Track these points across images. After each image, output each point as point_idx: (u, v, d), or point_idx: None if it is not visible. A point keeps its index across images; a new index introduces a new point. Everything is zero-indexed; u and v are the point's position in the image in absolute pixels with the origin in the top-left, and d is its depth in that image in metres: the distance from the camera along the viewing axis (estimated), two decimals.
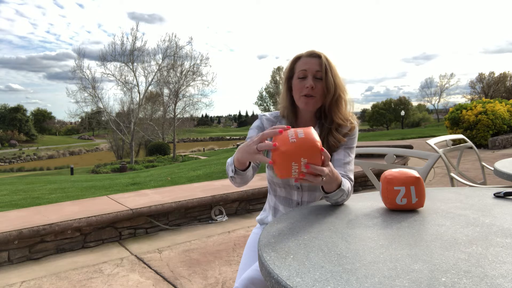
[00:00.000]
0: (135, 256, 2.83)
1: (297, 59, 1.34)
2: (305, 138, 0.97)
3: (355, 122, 1.37)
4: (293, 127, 1.36)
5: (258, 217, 1.53)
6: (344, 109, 1.34)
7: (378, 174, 1.63)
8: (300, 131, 0.98)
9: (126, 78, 29.15)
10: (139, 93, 29.50)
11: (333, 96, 1.30)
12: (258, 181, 4.16)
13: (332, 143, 1.32)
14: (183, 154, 29.60)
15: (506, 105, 10.47)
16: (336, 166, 1.30)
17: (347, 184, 1.21)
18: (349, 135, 1.34)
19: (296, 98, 1.33)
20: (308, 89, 1.27)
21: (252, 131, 1.40)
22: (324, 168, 1.00)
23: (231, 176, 1.20)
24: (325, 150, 1.00)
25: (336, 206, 1.22)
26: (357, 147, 1.43)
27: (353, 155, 1.35)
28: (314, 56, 1.30)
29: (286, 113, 1.38)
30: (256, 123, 1.42)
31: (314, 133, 0.99)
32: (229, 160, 1.23)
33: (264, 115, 1.42)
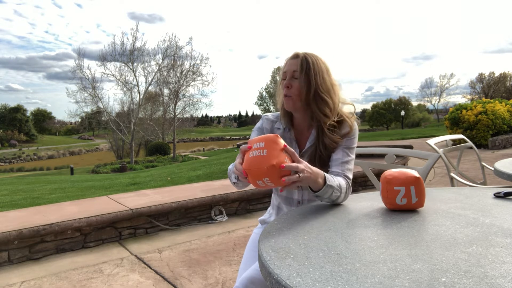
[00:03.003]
0: (135, 256, 2.83)
1: (286, 61, 1.38)
2: (254, 159, 1.03)
3: (354, 122, 1.36)
4: (289, 128, 1.39)
5: (261, 217, 1.54)
6: (327, 108, 1.30)
7: (378, 174, 1.63)
8: (254, 151, 1.04)
9: (126, 78, 29.14)
10: (139, 93, 29.49)
11: (310, 94, 1.29)
12: None
13: (328, 143, 1.32)
14: (183, 154, 29.58)
15: (506, 105, 10.46)
16: (334, 166, 1.31)
17: (337, 180, 1.20)
18: (347, 136, 1.34)
19: (283, 98, 1.36)
20: (285, 89, 1.31)
21: (254, 133, 1.43)
22: (298, 165, 1.04)
23: (234, 182, 1.25)
24: (287, 147, 1.05)
25: (336, 206, 1.22)
26: (357, 147, 1.43)
27: (352, 155, 1.35)
28: (295, 57, 1.34)
29: (281, 113, 1.42)
30: (257, 124, 1.47)
31: (271, 149, 1.03)
32: (231, 167, 1.27)
33: (266, 115, 1.46)
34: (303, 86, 1.29)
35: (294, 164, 1.03)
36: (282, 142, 1.05)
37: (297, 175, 1.03)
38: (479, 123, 9.63)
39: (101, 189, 7.40)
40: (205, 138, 72.38)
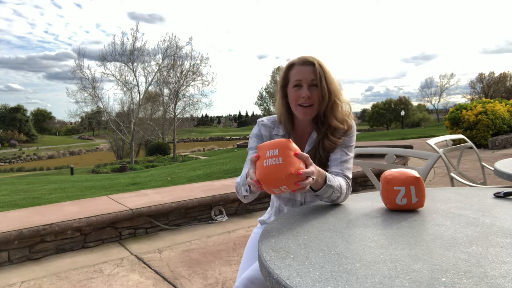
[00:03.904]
0: (135, 256, 2.83)
1: (290, 66, 1.33)
2: (270, 168, 1.00)
3: (352, 121, 1.37)
4: (289, 134, 1.37)
5: (260, 218, 1.54)
6: (339, 113, 1.34)
7: (378, 174, 1.63)
8: (269, 159, 1.00)
9: (126, 78, 29.18)
10: (139, 93, 29.51)
11: (328, 102, 1.30)
12: None
13: (328, 145, 1.32)
14: (183, 154, 29.60)
15: (506, 105, 10.47)
16: (333, 165, 1.30)
17: (338, 181, 1.20)
18: (345, 134, 1.34)
19: (292, 107, 1.33)
20: (304, 98, 1.27)
21: (252, 141, 1.40)
22: (313, 169, 1.04)
23: (244, 195, 1.22)
24: (300, 152, 1.03)
25: (336, 206, 1.22)
26: (357, 147, 1.43)
27: (351, 154, 1.35)
28: (308, 64, 1.29)
29: (282, 120, 1.38)
30: (254, 130, 1.43)
31: (286, 156, 1.00)
32: (240, 180, 1.25)
33: (262, 121, 1.42)
34: (326, 95, 1.28)
35: (310, 170, 1.02)
36: (294, 147, 1.03)
37: (311, 178, 1.03)
38: (479, 123, 9.63)
39: (101, 189, 7.40)
40: (205, 138, 72.33)
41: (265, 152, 1.02)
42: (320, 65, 1.29)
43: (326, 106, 1.30)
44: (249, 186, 1.16)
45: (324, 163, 1.33)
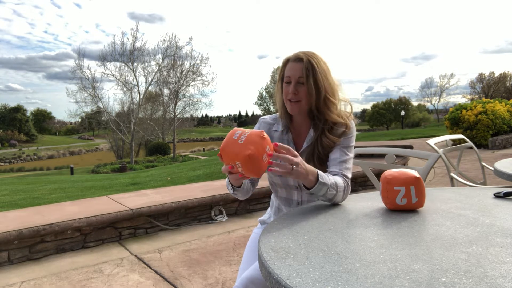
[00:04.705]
0: (135, 256, 2.83)
1: (286, 62, 1.36)
2: (250, 133, 1.03)
3: (352, 121, 1.37)
4: (288, 129, 1.40)
5: (261, 218, 1.55)
6: (335, 109, 1.35)
7: (378, 174, 1.63)
8: (242, 137, 1.03)
9: (126, 78, 29.18)
10: (139, 93, 29.52)
11: (318, 98, 1.31)
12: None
13: (326, 143, 1.32)
14: (183, 154, 29.58)
15: (506, 105, 10.47)
16: (332, 165, 1.31)
17: (333, 179, 1.20)
18: (345, 134, 1.34)
19: (284, 101, 1.36)
20: (290, 95, 1.30)
21: None
22: (292, 158, 1.07)
23: (233, 193, 1.29)
24: (281, 144, 1.08)
25: (336, 206, 1.22)
26: (357, 147, 1.43)
27: (351, 154, 1.35)
28: (298, 60, 1.31)
29: (281, 114, 1.41)
30: (255, 128, 1.44)
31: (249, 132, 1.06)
32: (227, 179, 1.30)
33: (263, 118, 1.46)
34: (312, 92, 1.29)
35: (284, 156, 1.06)
36: (266, 136, 1.07)
37: (291, 166, 1.06)
38: (479, 123, 9.63)
39: (101, 189, 7.40)
40: (205, 138, 72.27)
41: (231, 138, 1.04)
42: (310, 62, 1.29)
43: (318, 102, 1.31)
44: (231, 184, 1.22)
45: (323, 161, 1.33)
